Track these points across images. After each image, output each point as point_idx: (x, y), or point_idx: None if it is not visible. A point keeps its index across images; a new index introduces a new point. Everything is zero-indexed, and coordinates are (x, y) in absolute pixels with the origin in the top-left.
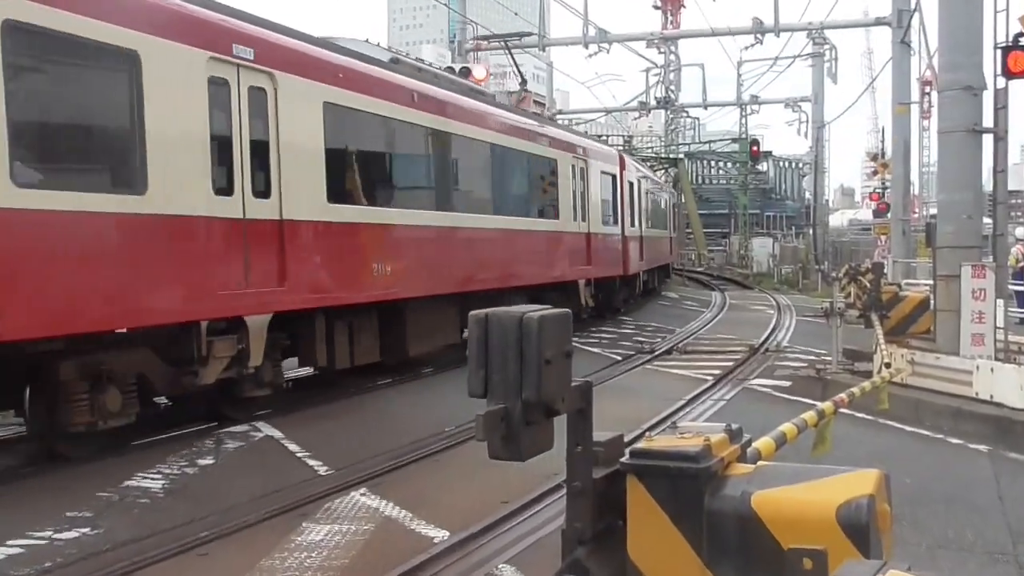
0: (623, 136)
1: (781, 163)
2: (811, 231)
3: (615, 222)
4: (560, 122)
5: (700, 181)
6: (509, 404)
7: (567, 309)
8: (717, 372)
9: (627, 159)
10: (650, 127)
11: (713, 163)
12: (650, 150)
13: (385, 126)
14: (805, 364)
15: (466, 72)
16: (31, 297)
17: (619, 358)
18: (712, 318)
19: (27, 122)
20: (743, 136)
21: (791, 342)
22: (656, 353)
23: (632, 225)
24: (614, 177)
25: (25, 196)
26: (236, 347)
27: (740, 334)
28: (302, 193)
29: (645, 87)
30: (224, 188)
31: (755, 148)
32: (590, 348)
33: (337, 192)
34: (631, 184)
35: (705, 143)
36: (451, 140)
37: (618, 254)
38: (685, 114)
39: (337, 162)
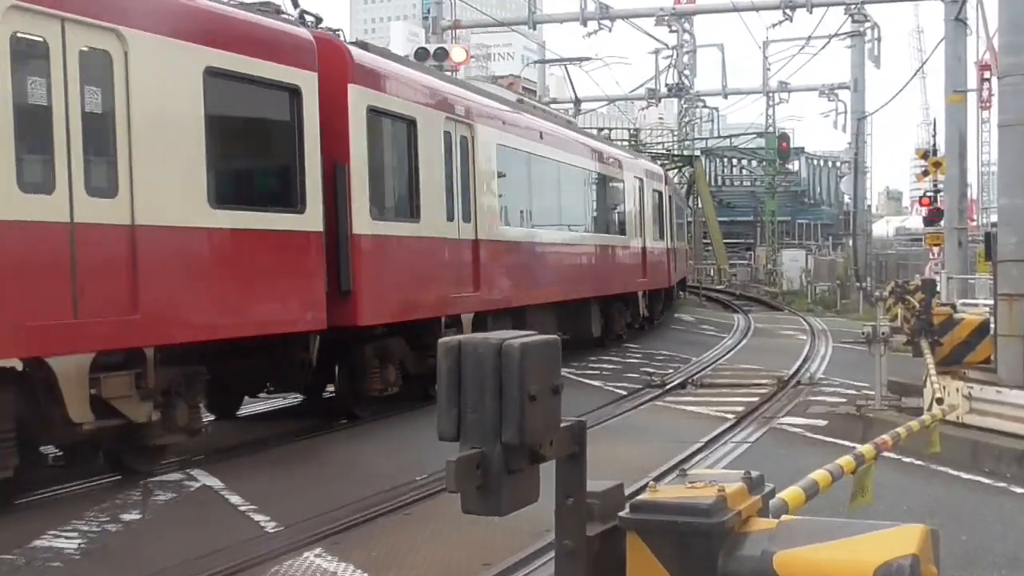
0: (628, 129)
1: (815, 161)
2: (851, 242)
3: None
4: (556, 111)
5: (720, 183)
6: (486, 448)
7: (554, 336)
8: (739, 409)
9: (667, 174)
10: (660, 119)
11: (735, 161)
12: (660, 146)
13: (527, 161)
14: (843, 400)
15: (443, 54)
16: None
17: (623, 393)
18: (734, 345)
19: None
20: (770, 130)
21: (827, 373)
22: (667, 387)
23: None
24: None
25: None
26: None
27: (767, 364)
28: (492, 217)
29: (654, 72)
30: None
31: (784, 144)
32: (588, 381)
33: (508, 216)
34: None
35: (725, 138)
36: (562, 169)
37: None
38: (701, 104)
39: (505, 191)
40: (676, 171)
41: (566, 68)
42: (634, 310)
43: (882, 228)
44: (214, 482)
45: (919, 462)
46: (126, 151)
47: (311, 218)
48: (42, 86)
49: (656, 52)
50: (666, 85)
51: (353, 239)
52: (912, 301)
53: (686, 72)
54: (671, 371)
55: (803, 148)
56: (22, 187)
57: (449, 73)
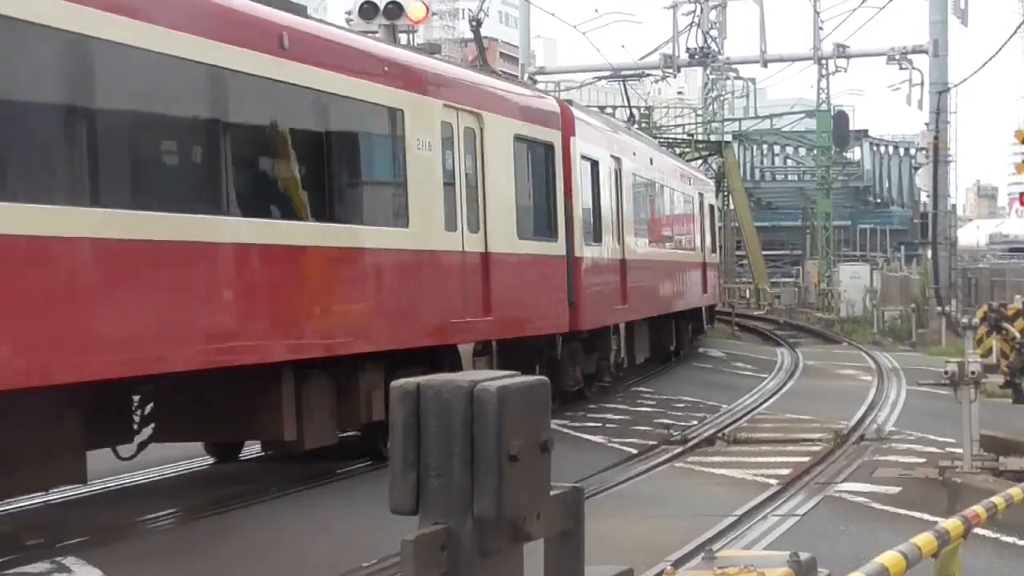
0: (639, 108)
1: (882, 148)
2: (929, 253)
3: (714, 249)
4: (542, 86)
5: (757, 177)
6: (453, 523)
7: (543, 378)
8: (785, 472)
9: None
10: (680, 93)
11: (777, 149)
12: (680, 129)
13: (646, 186)
14: (921, 460)
15: (396, 11)
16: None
17: (633, 451)
18: (777, 388)
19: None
20: (823, 107)
21: (899, 426)
22: (690, 443)
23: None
24: (713, 207)
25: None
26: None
27: (821, 413)
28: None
29: (672, 34)
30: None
31: (842, 125)
32: (588, 436)
33: (637, 234)
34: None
35: (764, 118)
36: (664, 191)
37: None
38: (733, 74)
39: (636, 214)
40: (701, 162)
41: (623, 85)
42: (695, 324)
43: (971, 235)
44: (92, 573)
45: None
46: (483, 200)
47: (561, 245)
48: (450, 157)
49: (674, 6)
50: (687, 50)
51: (576, 260)
52: (1011, 330)
53: (713, 33)
54: (695, 423)
55: (866, 131)
56: (446, 227)
57: (404, 35)
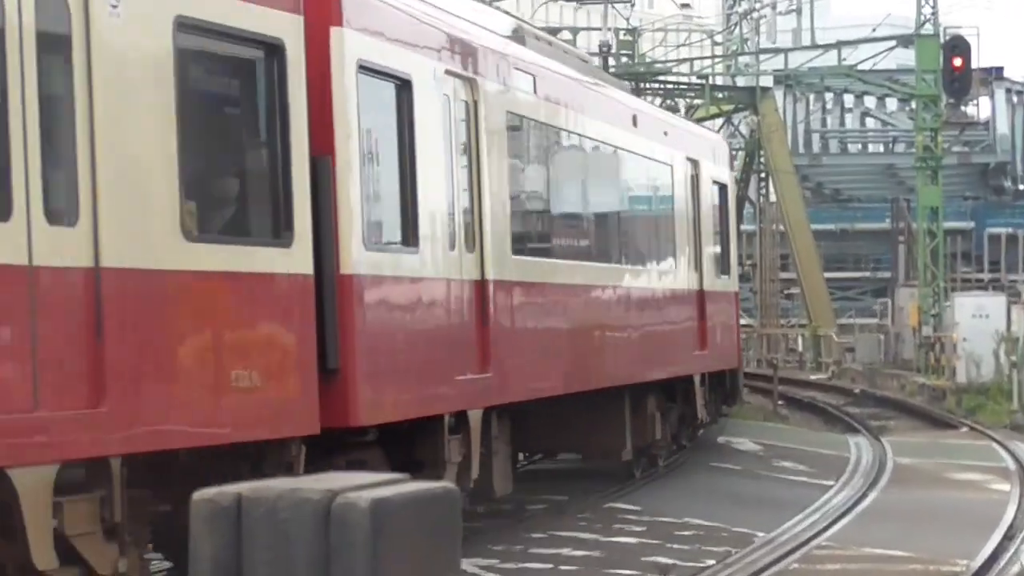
0: (621, 30)
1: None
2: None
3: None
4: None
5: (817, 147)
6: None
7: (447, 485)
8: None
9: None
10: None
11: (850, 101)
12: (686, 68)
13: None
14: None
15: None
16: None
17: None
18: (849, 504)
19: None
20: (926, 30)
21: None
22: None
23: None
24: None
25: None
26: None
27: (924, 547)
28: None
29: None
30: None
31: (956, 61)
32: None
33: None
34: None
35: (826, 48)
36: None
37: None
38: None
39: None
40: (722, 123)
41: None
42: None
43: None
44: None
45: None
46: (695, 241)
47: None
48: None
49: None
50: None
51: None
52: None
53: None
54: (712, 565)
55: (999, 71)
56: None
57: None
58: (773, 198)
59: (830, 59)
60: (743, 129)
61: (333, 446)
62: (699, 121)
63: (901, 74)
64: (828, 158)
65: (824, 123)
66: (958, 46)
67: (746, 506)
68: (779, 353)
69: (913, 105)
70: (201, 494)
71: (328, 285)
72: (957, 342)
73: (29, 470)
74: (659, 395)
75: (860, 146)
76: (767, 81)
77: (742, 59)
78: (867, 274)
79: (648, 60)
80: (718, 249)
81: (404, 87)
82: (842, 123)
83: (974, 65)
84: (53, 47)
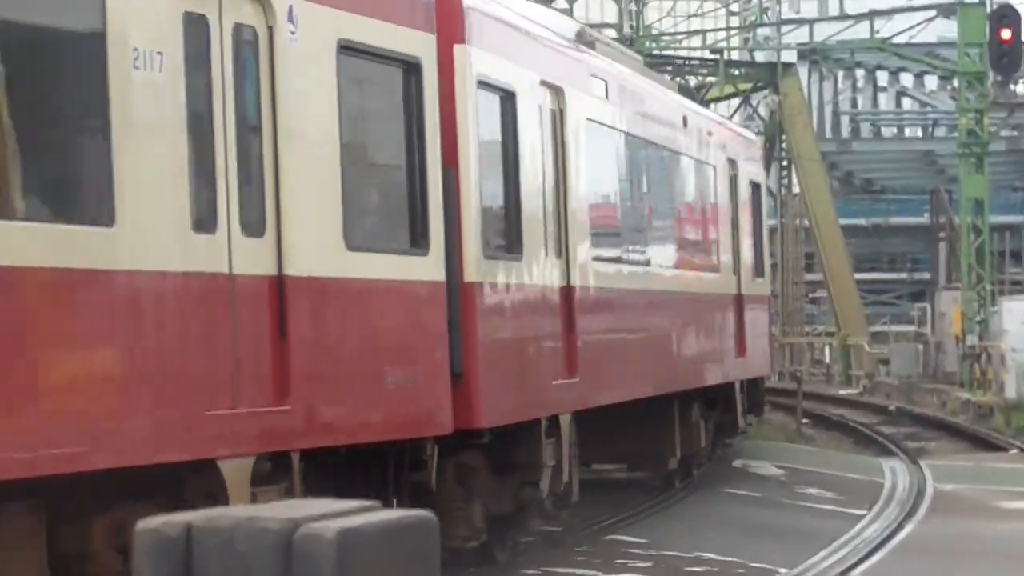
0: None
1: None
2: None
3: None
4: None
5: (846, 132)
6: None
7: (424, 513)
8: None
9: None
10: None
11: (884, 79)
12: (697, 41)
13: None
14: None
15: None
16: None
17: None
18: (883, 536)
19: None
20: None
21: None
22: None
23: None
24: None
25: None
26: None
27: None
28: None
29: None
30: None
31: (1005, 33)
32: None
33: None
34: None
35: (857, 18)
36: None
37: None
38: None
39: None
40: (740, 104)
41: None
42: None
43: None
44: None
45: None
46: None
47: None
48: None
49: None
50: None
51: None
52: None
53: None
54: None
55: None
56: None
57: None
58: (796, 189)
59: (861, 31)
60: (762, 111)
61: (442, 450)
62: (713, 101)
63: (942, 48)
64: (859, 143)
65: (854, 104)
66: (1007, 16)
67: (766, 539)
68: (803, 365)
69: (956, 83)
70: (145, 523)
71: (454, 292)
72: (1006, 353)
73: (233, 462)
74: (701, 403)
75: (895, 130)
76: (790, 56)
77: (761, 31)
78: (903, 275)
79: (655, 32)
80: (753, 251)
81: (508, 99)
82: (875, 104)
83: None
84: (246, 74)
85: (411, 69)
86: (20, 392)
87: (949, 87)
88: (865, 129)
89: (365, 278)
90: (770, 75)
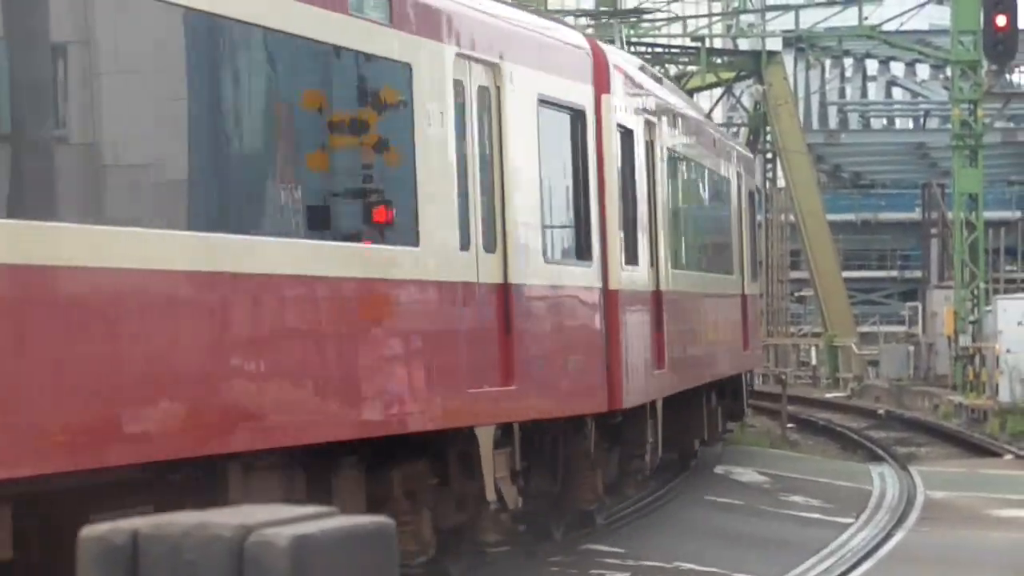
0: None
1: None
2: None
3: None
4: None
5: (834, 123)
6: None
7: (383, 519)
8: None
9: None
10: None
11: (873, 68)
12: (678, 27)
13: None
14: None
15: None
16: None
17: None
18: (870, 546)
19: None
20: None
21: None
22: None
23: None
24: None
25: None
26: None
27: None
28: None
29: None
30: None
31: (1000, 20)
32: None
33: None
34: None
35: (844, 4)
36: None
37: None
38: None
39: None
40: (722, 93)
41: None
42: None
43: None
44: None
45: None
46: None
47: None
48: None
49: None
50: None
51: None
52: None
53: None
54: None
55: None
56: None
57: None
58: (781, 183)
59: (850, 17)
60: (746, 101)
61: (556, 431)
62: (694, 91)
63: (934, 35)
64: (847, 135)
65: (842, 94)
66: (1002, 2)
67: (748, 548)
68: (788, 367)
69: (948, 73)
70: (90, 530)
71: (603, 297)
72: (1000, 354)
73: (484, 429)
74: (716, 391)
75: (885, 121)
76: (774, 44)
77: (745, 18)
78: (893, 273)
79: (632, 19)
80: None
81: (628, 135)
82: (864, 94)
83: (1021, 25)
84: (485, 126)
85: (578, 116)
86: (361, 373)
87: (941, 76)
88: (854, 120)
89: (555, 284)
90: (754, 64)
